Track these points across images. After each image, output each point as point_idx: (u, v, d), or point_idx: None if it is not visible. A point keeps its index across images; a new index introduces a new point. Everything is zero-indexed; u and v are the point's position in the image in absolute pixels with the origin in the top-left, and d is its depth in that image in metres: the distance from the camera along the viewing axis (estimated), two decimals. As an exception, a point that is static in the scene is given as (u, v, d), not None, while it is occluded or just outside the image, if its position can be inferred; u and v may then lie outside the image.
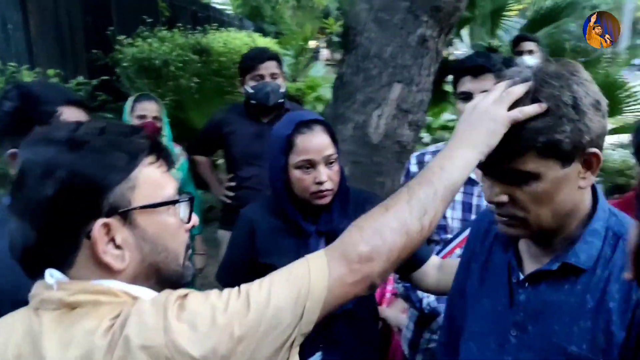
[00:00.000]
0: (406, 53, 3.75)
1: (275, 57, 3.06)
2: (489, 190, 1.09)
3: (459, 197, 2.03)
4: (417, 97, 3.96)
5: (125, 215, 0.88)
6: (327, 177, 1.65)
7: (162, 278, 0.95)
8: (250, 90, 2.98)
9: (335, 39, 11.36)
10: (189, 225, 1.00)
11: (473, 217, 2.00)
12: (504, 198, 1.07)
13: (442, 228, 2.04)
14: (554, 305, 1.11)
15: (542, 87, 1.03)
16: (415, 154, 2.24)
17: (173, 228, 0.95)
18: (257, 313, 0.84)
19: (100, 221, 0.86)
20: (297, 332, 0.87)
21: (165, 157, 0.97)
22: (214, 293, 0.87)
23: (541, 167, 1.03)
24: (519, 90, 1.04)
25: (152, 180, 0.92)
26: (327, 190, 1.66)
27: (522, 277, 1.17)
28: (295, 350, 0.88)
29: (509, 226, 1.11)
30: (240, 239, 1.77)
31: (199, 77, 6.25)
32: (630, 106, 5.65)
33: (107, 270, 0.89)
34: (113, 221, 0.87)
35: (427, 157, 2.18)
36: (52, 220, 0.86)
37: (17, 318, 0.92)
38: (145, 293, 0.91)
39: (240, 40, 9.99)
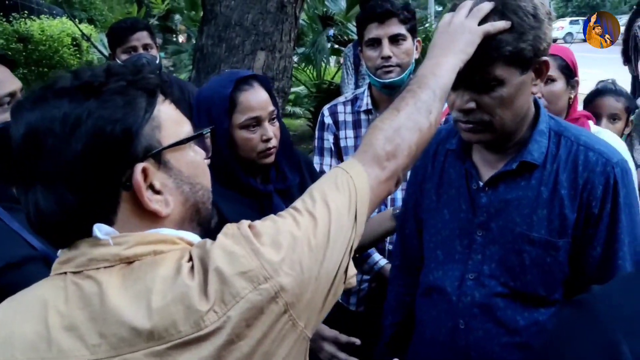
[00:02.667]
0: (267, 19, 3.77)
1: (147, 26, 2.89)
2: (459, 99, 1.20)
3: None
4: (281, 64, 4.02)
5: (158, 157, 0.83)
6: (273, 134, 1.59)
7: (201, 219, 0.91)
8: None
9: (155, 22, 10.95)
10: (208, 160, 0.97)
11: None
12: (473, 105, 1.19)
13: None
14: (514, 201, 1.26)
15: (508, 1, 1.16)
16: (327, 106, 2.27)
17: (201, 164, 0.92)
18: (323, 223, 0.87)
19: (139, 166, 0.80)
20: (354, 235, 0.92)
21: (170, 95, 0.91)
22: (276, 217, 0.88)
23: (505, 73, 1.16)
24: (488, 6, 1.15)
25: (172, 118, 0.87)
26: (273, 147, 1.60)
27: (481, 183, 1.31)
28: (351, 256, 0.92)
29: (475, 132, 1.23)
30: None
31: (23, 67, 5.71)
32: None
33: (152, 220, 0.84)
34: (148, 165, 0.82)
35: (339, 108, 2.23)
36: (88, 177, 0.78)
37: (45, 290, 0.82)
38: (197, 238, 0.88)
39: (56, 27, 9.24)
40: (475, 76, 1.16)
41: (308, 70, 8.43)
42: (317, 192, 0.91)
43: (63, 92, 0.79)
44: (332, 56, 8.73)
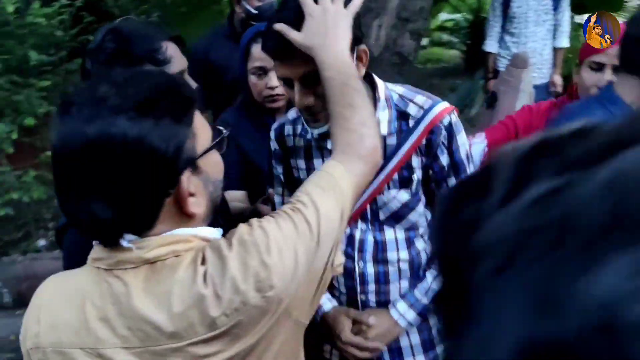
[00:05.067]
0: (404, -45, 3.56)
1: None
2: None
3: None
4: (418, 4, 3.80)
5: (195, 164, 0.91)
6: (278, 82, 1.64)
7: (214, 210, 1.00)
8: (254, 11, 2.41)
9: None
10: None
11: None
12: None
13: None
14: None
15: None
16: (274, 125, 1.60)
17: (221, 162, 1.00)
18: (315, 226, 0.95)
19: (185, 176, 0.89)
20: (340, 231, 1.01)
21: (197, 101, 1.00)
22: (280, 220, 0.95)
23: None
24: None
25: (201, 124, 0.94)
26: (277, 95, 1.82)
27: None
28: (337, 249, 1.02)
29: None
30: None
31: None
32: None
33: (186, 220, 0.93)
34: (188, 173, 0.90)
35: (287, 129, 1.52)
36: (144, 190, 0.87)
37: (83, 279, 0.94)
38: (209, 231, 0.97)
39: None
40: None
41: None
42: (305, 195, 0.99)
43: (119, 110, 0.85)
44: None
